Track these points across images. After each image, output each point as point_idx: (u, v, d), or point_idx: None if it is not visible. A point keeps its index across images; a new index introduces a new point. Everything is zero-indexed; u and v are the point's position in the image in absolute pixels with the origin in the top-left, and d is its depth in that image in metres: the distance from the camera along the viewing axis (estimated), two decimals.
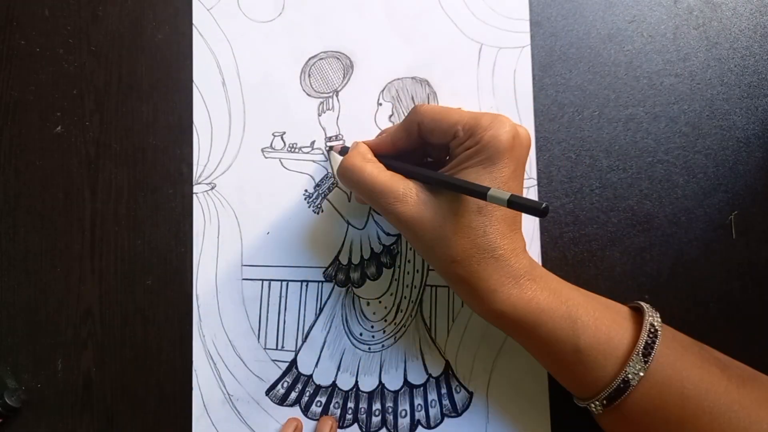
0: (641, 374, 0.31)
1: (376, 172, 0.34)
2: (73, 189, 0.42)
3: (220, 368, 0.41)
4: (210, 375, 0.41)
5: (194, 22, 0.43)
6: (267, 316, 0.41)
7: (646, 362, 0.31)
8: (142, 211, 0.42)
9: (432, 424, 0.40)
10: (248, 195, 0.42)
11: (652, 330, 0.32)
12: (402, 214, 0.33)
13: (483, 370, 0.40)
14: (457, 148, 0.33)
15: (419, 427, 0.40)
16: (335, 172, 0.37)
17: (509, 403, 0.40)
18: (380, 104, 0.42)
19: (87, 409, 0.41)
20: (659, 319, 0.33)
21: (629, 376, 0.31)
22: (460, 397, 0.40)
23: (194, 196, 0.42)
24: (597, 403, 0.32)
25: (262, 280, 0.41)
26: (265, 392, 0.41)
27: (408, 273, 0.41)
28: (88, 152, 0.42)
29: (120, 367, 0.41)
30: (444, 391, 0.40)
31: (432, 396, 0.40)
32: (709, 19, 0.42)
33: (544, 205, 0.26)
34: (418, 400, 0.40)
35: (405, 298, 0.41)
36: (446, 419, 0.40)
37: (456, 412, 0.40)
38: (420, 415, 0.40)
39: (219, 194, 0.42)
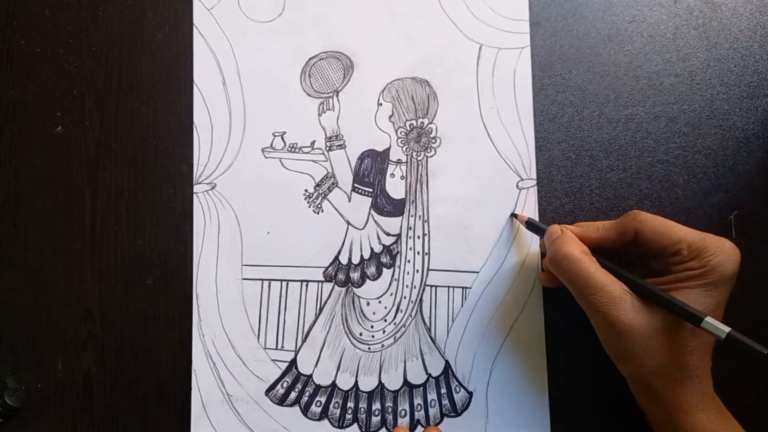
0: None
1: (594, 268, 0.34)
2: (73, 189, 0.42)
3: (220, 368, 0.41)
4: (209, 375, 0.41)
5: (194, 22, 0.43)
6: (267, 316, 0.41)
7: None
8: (142, 211, 0.42)
9: (432, 423, 0.40)
10: (248, 195, 0.42)
11: None
12: (614, 318, 0.33)
13: (482, 370, 0.40)
14: (678, 265, 0.33)
15: (419, 426, 0.40)
16: (546, 260, 0.37)
17: (509, 403, 0.40)
18: (380, 104, 0.42)
19: (87, 409, 0.41)
20: None
21: None
22: (459, 397, 0.40)
23: (194, 196, 0.42)
24: None
25: (262, 280, 0.41)
26: (265, 392, 0.41)
27: (408, 273, 0.41)
28: (88, 152, 0.42)
29: (120, 367, 0.41)
30: (444, 390, 0.40)
31: (432, 396, 0.40)
32: (709, 19, 0.42)
33: (767, 351, 0.26)
34: (418, 400, 0.40)
35: (405, 298, 0.41)
36: (446, 419, 0.40)
37: (456, 411, 0.40)
38: (420, 414, 0.40)
39: (219, 194, 0.42)
